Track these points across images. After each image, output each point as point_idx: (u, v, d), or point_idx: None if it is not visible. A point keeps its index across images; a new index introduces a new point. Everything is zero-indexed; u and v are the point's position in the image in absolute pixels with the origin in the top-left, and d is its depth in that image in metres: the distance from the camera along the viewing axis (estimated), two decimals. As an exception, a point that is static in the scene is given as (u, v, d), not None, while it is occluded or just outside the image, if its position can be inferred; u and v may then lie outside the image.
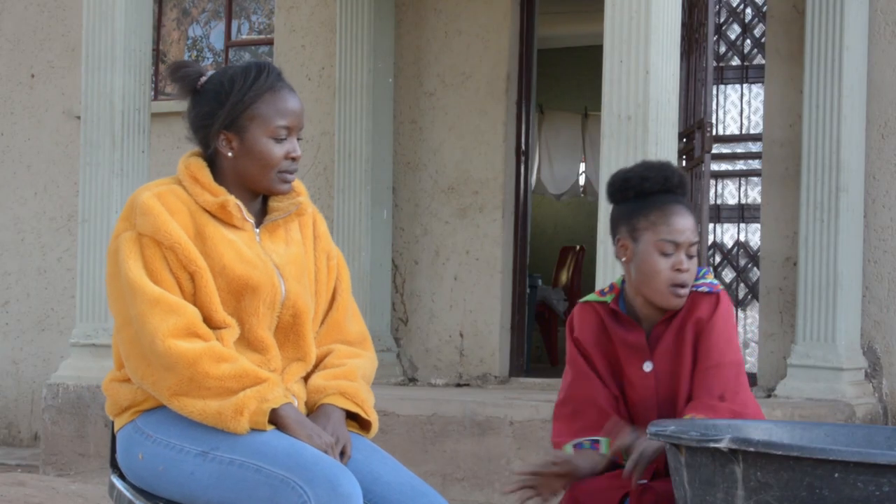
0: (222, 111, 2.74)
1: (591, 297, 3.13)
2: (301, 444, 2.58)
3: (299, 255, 2.84)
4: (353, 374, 2.83)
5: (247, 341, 2.73)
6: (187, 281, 2.67)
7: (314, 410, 2.78)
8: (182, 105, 2.97)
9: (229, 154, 2.76)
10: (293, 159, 2.78)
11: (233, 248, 2.72)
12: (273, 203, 2.84)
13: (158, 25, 9.04)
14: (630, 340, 3.03)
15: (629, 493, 2.94)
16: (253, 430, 2.60)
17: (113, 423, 2.79)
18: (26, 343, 8.85)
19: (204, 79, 2.81)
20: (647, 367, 3.01)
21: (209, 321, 2.68)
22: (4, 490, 5.66)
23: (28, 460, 7.66)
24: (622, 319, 3.05)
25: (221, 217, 2.74)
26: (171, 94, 8.75)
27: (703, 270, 3.08)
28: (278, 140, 2.75)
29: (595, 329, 3.07)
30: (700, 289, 3.03)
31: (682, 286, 2.97)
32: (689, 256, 2.98)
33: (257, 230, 2.80)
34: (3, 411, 8.90)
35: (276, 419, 2.63)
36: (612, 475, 3.00)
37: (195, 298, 2.68)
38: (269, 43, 8.57)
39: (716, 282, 3.07)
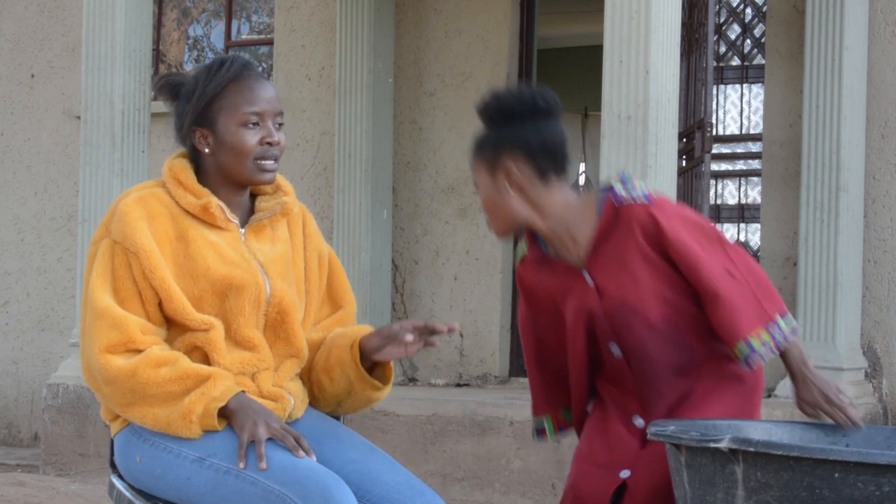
0: (190, 107, 2.75)
1: (519, 254, 3.07)
2: (294, 457, 2.58)
3: (285, 253, 2.84)
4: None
5: (235, 341, 2.73)
6: (149, 290, 2.66)
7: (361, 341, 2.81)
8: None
9: (206, 150, 2.76)
10: (269, 144, 2.75)
11: (215, 250, 2.72)
12: (260, 203, 2.84)
13: (158, 25, 9.04)
14: (560, 269, 2.94)
15: (621, 483, 2.93)
16: (206, 431, 2.62)
17: (109, 427, 2.79)
18: (26, 343, 8.85)
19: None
20: (588, 280, 2.88)
21: (187, 327, 2.68)
22: (4, 490, 5.66)
23: (28, 460, 7.66)
24: (544, 256, 2.97)
25: (204, 218, 2.74)
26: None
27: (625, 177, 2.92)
28: (249, 127, 2.74)
29: (535, 273, 3.00)
30: (623, 202, 2.86)
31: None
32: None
33: (242, 230, 2.80)
34: (3, 411, 8.90)
35: (225, 412, 2.63)
36: (604, 462, 2.98)
37: (165, 308, 2.68)
38: (269, 43, 8.56)
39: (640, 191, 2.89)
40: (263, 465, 2.55)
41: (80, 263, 6.67)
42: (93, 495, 5.77)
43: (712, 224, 2.95)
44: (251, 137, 2.74)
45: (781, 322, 2.80)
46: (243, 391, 2.66)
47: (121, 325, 2.62)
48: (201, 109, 2.74)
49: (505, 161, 2.86)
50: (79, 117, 7.37)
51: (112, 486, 2.80)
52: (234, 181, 2.78)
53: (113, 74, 6.56)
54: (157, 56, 9.01)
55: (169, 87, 2.82)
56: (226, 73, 2.74)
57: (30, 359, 8.83)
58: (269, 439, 2.60)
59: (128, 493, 2.74)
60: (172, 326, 2.71)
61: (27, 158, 8.93)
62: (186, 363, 2.63)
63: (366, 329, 2.85)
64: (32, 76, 8.95)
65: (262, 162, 2.76)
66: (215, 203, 2.74)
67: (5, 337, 8.91)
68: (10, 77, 9.02)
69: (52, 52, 8.88)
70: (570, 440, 3.18)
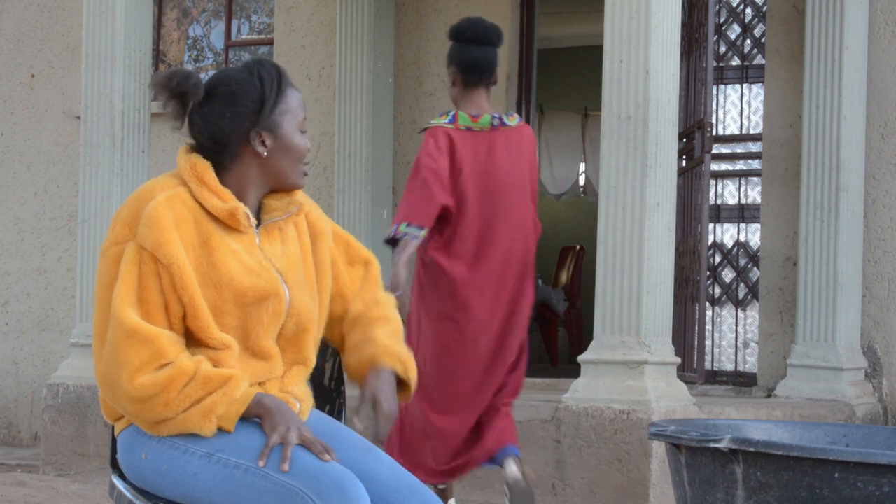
0: (264, 108, 2.71)
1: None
2: (305, 451, 2.56)
3: (297, 255, 2.81)
4: (401, 335, 2.87)
5: (251, 351, 2.70)
6: (177, 304, 2.61)
7: (374, 368, 2.79)
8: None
9: (264, 153, 2.72)
10: (307, 151, 2.82)
11: (237, 259, 2.68)
12: (270, 202, 2.81)
13: (158, 25, 9.05)
14: None
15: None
16: (221, 429, 2.60)
17: (113, 426, 2.77)
18: (26, 343, 8.85)
19: (204, 82, 2.77)
20: None
21: (206, 344, 2.65)
22: (4, 490, 5.66)
23: (28, 460, 7.66)
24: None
25: (227, 223, 2.70)
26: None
27: None
28: (303, 133, 2.78)
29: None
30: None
31: None
32: None
33: (256, 231, 2.78)
34: (3, 411, 8.90)
35: (259, 410, 2.61)
36: None
37: (189, 323, 2.64)
38: (269, 43, 8.57)
39: None
40: (286, 466, 2.53)
41: (80, 263, 6.67)
42: (93, 495, 5.77)
43: (421, 158, 4.57)
44: (304, 142, 2.77)
45: (400, 226, 4.70)
46: (257, 394, 2.64)
47: (153, 342, 2.56)
48: (272, 111, 2.72)
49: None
50: (79, 117, 7.37)
51: (112, 485, 2.79)
52: (277, 184, 2.77)
53: (113, 74, 6.56)
54: (157, 56, 9.01)
55: (200, 84, 2.74)
56: (285, 78, 2.76)
57: (30, 359, 8.83)
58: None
59: (128, 493, 2.73)
60: (188, 340, 2.67)
61: (27, 158, 8.93)
62: (207, 369, 2.60)
63: (384, 355, 2.82)
64: (32, 76, 8.95)
65: (305, 168, 2.80)
66: (242, 209, 2.69)
67: (5, 337, 8.91)
68: (10, 77, 9.02)
69: (52, 52, 8.88)
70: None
